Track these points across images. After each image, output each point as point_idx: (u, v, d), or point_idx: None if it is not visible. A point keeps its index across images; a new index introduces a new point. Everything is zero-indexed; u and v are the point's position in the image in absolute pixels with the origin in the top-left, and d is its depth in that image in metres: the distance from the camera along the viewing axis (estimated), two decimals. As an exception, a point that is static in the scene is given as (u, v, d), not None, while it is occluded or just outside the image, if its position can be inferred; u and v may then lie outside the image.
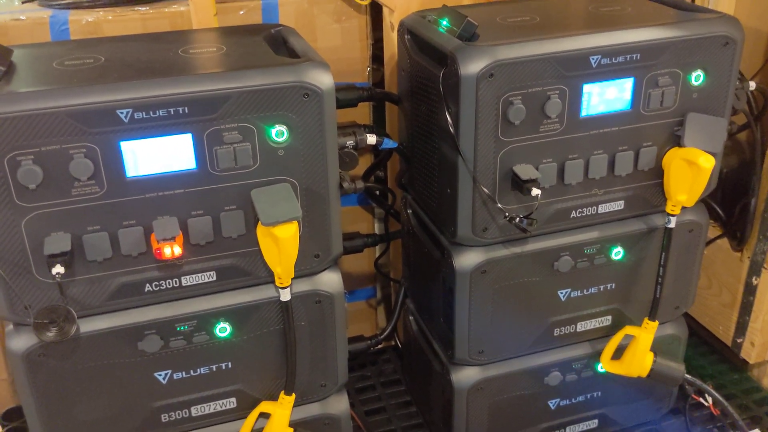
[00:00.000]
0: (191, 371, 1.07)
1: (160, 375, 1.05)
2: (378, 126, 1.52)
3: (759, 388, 1.55)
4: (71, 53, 1.04)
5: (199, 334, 1.04)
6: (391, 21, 1.35)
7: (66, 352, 0.99)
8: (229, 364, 1.08)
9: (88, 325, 0.99)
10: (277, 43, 1.13)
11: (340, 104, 1.22)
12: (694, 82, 1.12)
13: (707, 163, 1.09)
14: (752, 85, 1.24)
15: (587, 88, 1.07)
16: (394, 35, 1.31)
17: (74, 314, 0.94)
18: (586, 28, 1.10)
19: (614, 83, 1.08)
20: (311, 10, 1.39)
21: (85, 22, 1.29)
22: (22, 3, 1.49)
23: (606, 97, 1.09)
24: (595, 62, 1.06)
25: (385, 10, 1.37)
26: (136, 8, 1.33)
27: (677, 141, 1.15)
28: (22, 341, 0.97)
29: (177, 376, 1.06)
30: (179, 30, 1.30)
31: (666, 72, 1.10)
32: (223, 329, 1.05)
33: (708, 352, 1.65)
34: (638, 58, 1.08)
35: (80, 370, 1.01)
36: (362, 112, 1.50)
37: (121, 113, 0.89)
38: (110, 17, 1.30)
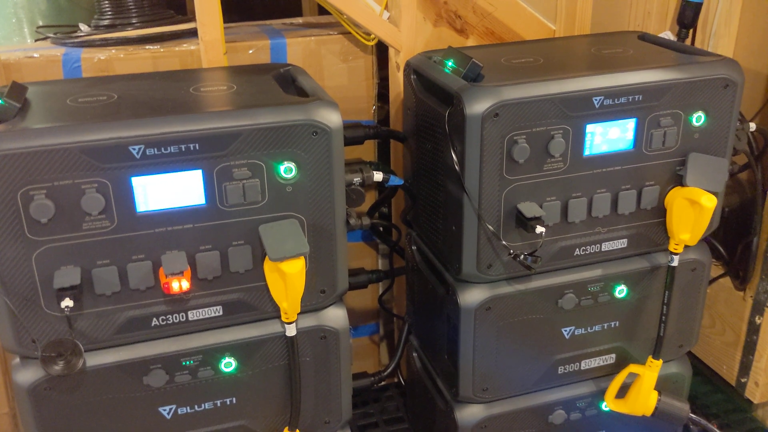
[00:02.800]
0: (196, 406, 1.07)
1: (164, 410, 1.05)
2: (382, 162, 1.53)
3: (763, 428, 1.54)
4: (85, 90, 1.07)
5: (205, 369, 1.04)
6: (397, 61, 1.38)
7: (72, 386, 0.99)
8: (234, 399, 1.08)
9: (95, 359, 0.99)
10: (287, 82, 1.15)
11: (347, 142, 1.23)
12: (695, 123, 1.14)
13: (709, 202, 1.11)
14: (752, 126, 1.26)
15: (590, 128, 1.09)
16: (400, 75, 1.34)
17: (81, 348, 0.95)
18: (589, 69, 1.12)
19: (617, 123, 1.10)
20: (319, 50, 1.42)
21: (97, 60, 1.32)
22: (36, 41, 1.53)
23: (609, 136, 1.11)
24: (597, 103, 1.08)
25: (391, 51, 1.39)
26: (147, 47, 1.36)
27: (679, 180, 1.17)
28: (28, 374, 0.98)
29: (182, 411, 1.06)
30: (191, 69, 1.33)
31: (668, 113, 1.12)
32: (228, 364, 1.05)
33: (712, 391, 1.64)
34: (640, 99, 1.10)
35: (85, 404, 1.01)
36: (367, 149, 1.52)
37: (134, 149, 0.91)
38: (122, 55, 1.33)
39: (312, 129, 0.97)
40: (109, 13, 1.43)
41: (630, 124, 1.11)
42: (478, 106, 1.03)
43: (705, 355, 1.62)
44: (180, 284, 0.96)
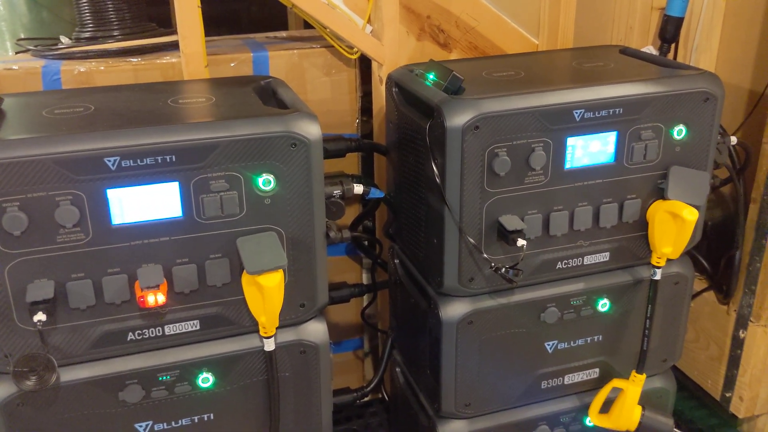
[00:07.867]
0: (173, 422, 1.05)
1: (140, 426, 1.03)
2: (367, 176, 1.53)
3: (749, 443, 1.53)
4: (61, 102, 1.06)
5: (182, 385, 1.03)
6: (380, 75, 1.37)
7: (45, 402, 0.97)
8: (212, 415, 1.07)
9: (69, 374, 0.98)
10: (267, 94, 1.15)
11: (328, 155, 1.23)
12: (676, 136, 1.14)
13: (691, 215, 1.10)
14: (734, 139, 1.26)
15: (571, 141, 1.09)
16: (383, 88, 1.33)
17: (54, 363, 0.93)
18: (569, 82, 1.12)
19: (598, 136, 1.10)
20: (301, 63, 1.42)
21: (77, 72, 1.31)
22: (16, 53, 1.51)
23: (590, 150, 1.11)
24: (578, 116, 1.08)
25: (374, 64, 1.39)
26: (128, 59, 1.35)
27: (661, 193, 1.16)
28: (1, 390, 0.96)
29: (158, 427, 1.04)
30: (170, 81, 1.32)
31: (648, 126, 1.12)
32: (205, 379, 1.04)
33: (697, 406, 1.64)
34: (621, 112, 1.10)
35: (59, 421, 0.99)
36: (351, 163, 1.52)
37: (109, 161, 0.90)
38: (102, 68, 1.32)
39: (291, 141, 0.96)
40: (91, 25, 1.42)
41: (611, 137, 1.11)
42: (458, 119, 1.02)
43: (689, 370, 1.61)
44: (156, 298, 0.94)
